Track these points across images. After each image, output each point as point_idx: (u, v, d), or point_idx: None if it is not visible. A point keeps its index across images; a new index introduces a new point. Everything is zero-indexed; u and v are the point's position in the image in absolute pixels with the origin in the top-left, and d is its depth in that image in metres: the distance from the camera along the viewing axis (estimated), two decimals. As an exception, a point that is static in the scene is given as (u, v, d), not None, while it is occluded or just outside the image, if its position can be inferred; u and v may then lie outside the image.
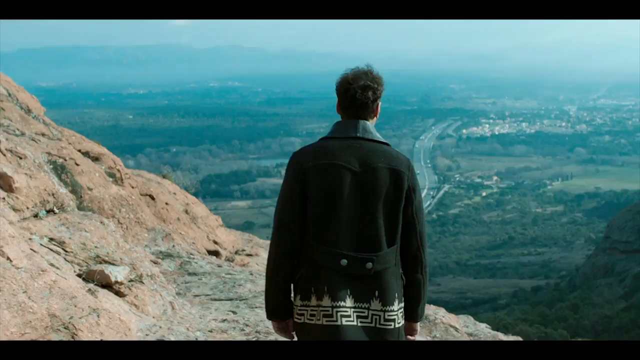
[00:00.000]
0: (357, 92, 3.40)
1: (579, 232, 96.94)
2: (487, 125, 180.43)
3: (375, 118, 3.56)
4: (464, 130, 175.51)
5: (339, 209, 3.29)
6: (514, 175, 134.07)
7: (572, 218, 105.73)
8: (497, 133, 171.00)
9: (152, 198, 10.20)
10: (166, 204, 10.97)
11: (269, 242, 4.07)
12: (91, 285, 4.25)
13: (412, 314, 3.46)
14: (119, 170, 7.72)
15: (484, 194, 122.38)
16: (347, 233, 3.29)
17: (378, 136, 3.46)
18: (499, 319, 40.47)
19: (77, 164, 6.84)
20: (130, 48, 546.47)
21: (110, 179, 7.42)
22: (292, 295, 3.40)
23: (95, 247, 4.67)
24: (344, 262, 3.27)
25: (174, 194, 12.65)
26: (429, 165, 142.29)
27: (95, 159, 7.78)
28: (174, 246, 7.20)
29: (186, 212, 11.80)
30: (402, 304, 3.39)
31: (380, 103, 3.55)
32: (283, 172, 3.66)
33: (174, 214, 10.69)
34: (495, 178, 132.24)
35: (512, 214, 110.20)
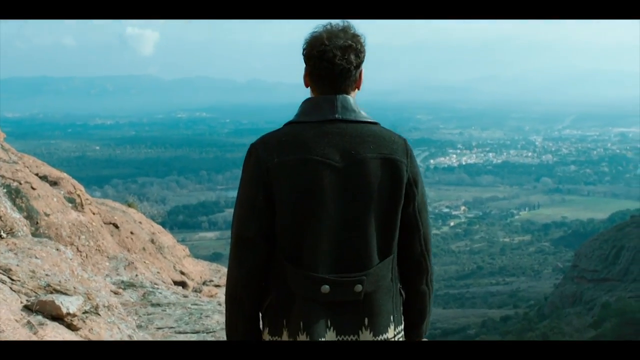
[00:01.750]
0: (337, 56, 2.62)
1: (546, 261, 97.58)
2: (455, 156, 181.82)
3: (356, 91, 2.79)
4: (432, 161, 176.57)
5: (317, 219, 2.55)
6: (482, 205, 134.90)
7: (540, 247, 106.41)
8: (464, 163, 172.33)
9: (116, 227, 9.84)
10: (131, 232, 10.60)
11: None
12: (39, 318, 3.84)
13: (416, 332, 2.85)
14: (79, 196, 7.33)
15: (452, 223, 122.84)
16: (327, 249, 2.57)
17: (364, 114, 2.71)
18: (469, 349, 40.23)
19: (34, 188, 6.47)
20: (98, 79, 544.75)
21: (70, 205, 7.03)
22: (262, 325, 2.72)
23: (47, 275, 4.27)
24: (326, 288, 2.56)
25: (140, 223, 12.28)
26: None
27: (54, 183, 7.37)
28: (137, 275, 6.82)
29: (152, 241, 11.42)
30: (402, 326, 2.75)
31: (363, 70, 2.77)
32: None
33: (139, 244, 10.31)
34: (462, 208, 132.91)
35: (480, 244, 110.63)
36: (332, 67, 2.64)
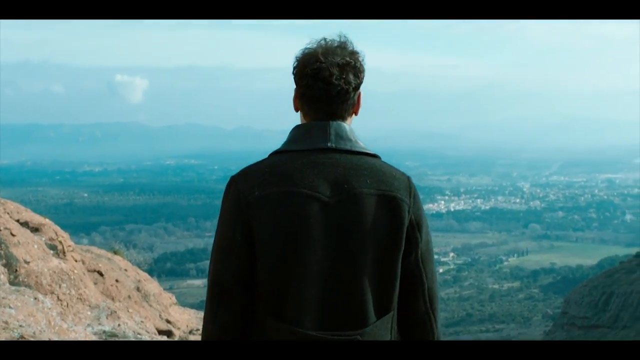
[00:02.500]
0: (334, 74, 2.27)
1: (536, 307, 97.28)
2: (443, 202, 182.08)
3: (353, 117, 2.45)
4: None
5: (303, 263, 2.18)
6: (470, 252, 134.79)
7: (529, 294, 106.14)
8: (452, 209, 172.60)
9: (101, 274, 9.65)
10: (116, 280, 10.43)
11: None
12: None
13: None
14: (61, 242, 7.11)
15: (441, 270, 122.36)
16: (315, 300, 2.17)
17: (361, 145, 2.36)
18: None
19: (13, 235, 6.27)
20: (87, 126, 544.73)
21: (51, 252, 6.81)
22: None
23: (20, 326, 4.06)
24: None
25: (125, 270, 12.10)
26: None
27: (35, 229, 7.16)
28: (119, 325, 6.57)
29: (137, 289, 11.23)
30: None
31: (362, 93, 2.41)
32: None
33: (124, 292, 10.11)
34: (451, 254, 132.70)
35: (470, 291, 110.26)
36: (327, 88, 2.29)
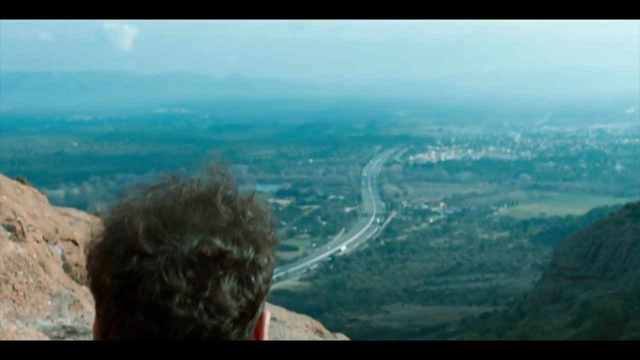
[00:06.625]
0: (179, 291, 0.92)
1: (525, 257, 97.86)
2: (434, 152, 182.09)
3: None
4: (411, 157, 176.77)
5: None
6: (461, 202, 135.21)
7: (518, 244, 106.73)
8: (443, 159, 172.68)
9: (75, 243, 9.17)
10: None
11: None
12: None
13: None
14: (19, 223, 6.58)
15: (431, 220, 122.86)
16: None
17: None
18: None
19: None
20: (76, 74, 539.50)
21: (8, 233, 6.29)
22: None
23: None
24: None
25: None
26: (377, 192, 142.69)
27: (-10, 209, 6.63)
28: (82, 316, 6.04)
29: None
30: None
31: (268, 317, 1.05)
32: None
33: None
34: (442, 204, 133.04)
35: (459, 240, 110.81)
36: (161, 329, 0.94)
